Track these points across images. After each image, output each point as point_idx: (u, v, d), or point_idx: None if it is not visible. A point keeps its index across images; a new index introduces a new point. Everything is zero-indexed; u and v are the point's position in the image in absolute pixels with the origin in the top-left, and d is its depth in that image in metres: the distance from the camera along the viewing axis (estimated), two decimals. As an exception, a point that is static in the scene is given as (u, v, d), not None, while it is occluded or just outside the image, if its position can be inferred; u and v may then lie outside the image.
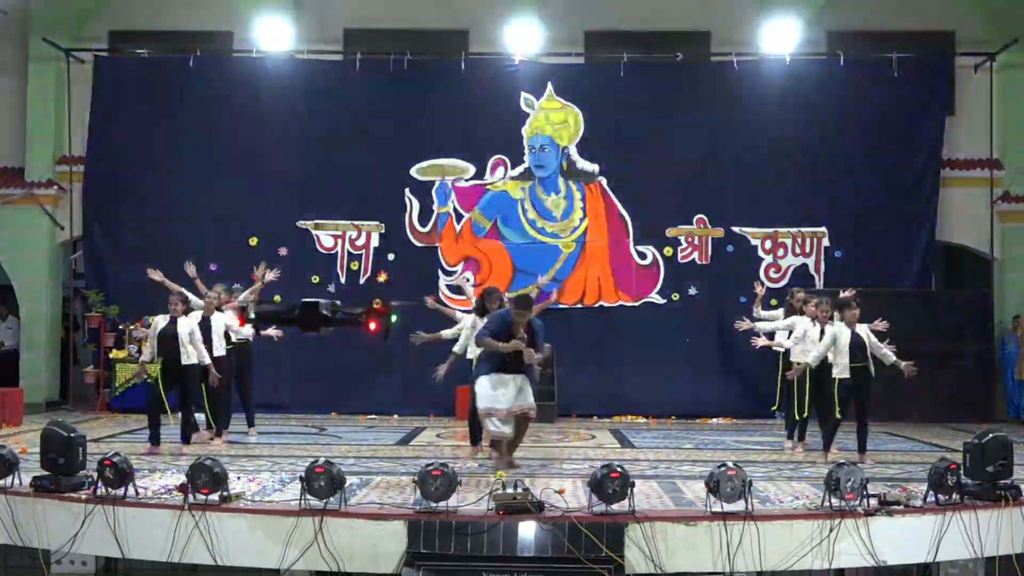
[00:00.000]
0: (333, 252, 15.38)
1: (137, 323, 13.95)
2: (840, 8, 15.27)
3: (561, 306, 15.20)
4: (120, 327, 14.80)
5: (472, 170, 15.43)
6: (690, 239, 15.33)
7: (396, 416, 14.37)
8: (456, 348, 10.05)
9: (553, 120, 15.47)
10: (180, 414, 10.51)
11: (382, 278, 15.25)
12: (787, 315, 10.98)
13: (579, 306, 15.28)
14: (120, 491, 7.13)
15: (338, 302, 8.41)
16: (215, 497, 7.01)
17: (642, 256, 15.35)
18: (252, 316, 8.58)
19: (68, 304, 16.26)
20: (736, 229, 15.27)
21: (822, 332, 10.05)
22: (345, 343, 13.67)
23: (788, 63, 15.11)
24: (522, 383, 8.95)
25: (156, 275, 11.01)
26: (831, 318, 10.07)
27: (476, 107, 15.31)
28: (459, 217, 15.40)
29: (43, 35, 15.27)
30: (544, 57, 15.49)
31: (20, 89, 15.61)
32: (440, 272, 15.31)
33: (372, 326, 8.10)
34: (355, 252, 15.38)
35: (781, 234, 15.29)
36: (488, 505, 6.95)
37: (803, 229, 15.27)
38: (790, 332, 10.66)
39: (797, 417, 10.69)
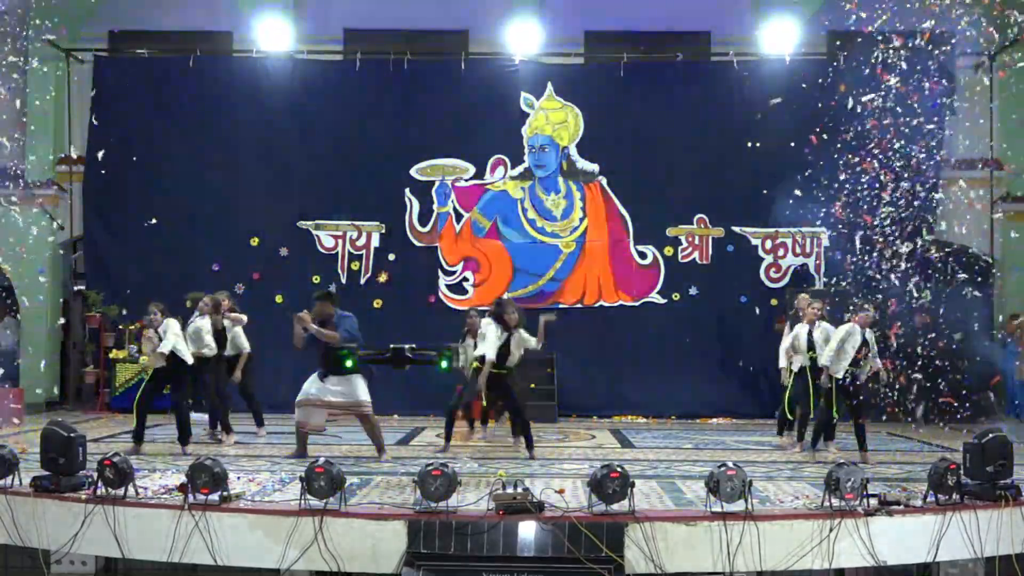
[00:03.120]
0: (334, 252, 15.38)
1: (138, 324, 13.94)
2: (841, 8, 15.23)
3: (561, 306, 15.24)
4: (120, 327, 14.81)
5: (472, 170, 15.44)
6: (690, 239, 15.33)
7: (396, 416, 14.37)
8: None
9: (553, 120, 15.47)
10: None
11: (383, 278, 15.26)
12: (793, 325, 11.05)
13: (579, 306, 15.28)
14: (120, 491, 7.13)
15: (415, 344, 9.79)
16: (215, 497, 7.01)
17: (642, 256, 15.36)
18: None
19: (68, 304, 16.26)
20: (736, 229, 15.28)
21: (809, 333, 10.20)
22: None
23: (788, 63, 15.11)
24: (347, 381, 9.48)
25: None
26: (822, 317, 10.23)
27: (476, 107, 15.32)
28: (459, 217, 15.40)
29: (43, 35, 15.27)
30: (544, 57, 15.49)
31: (20, 89, 15.60)
32: (440, 272, 15.33)
33: (443, 364, 9.75)
34: (356, 252, 15.38)
35: (781, 234, 15.30)
36: (488, 505, 6.96)
37: (803, 229, 15.27)
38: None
39: (789, 416, 10.83)
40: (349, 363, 9.39)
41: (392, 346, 9.59)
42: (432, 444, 11.48)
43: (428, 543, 6.70)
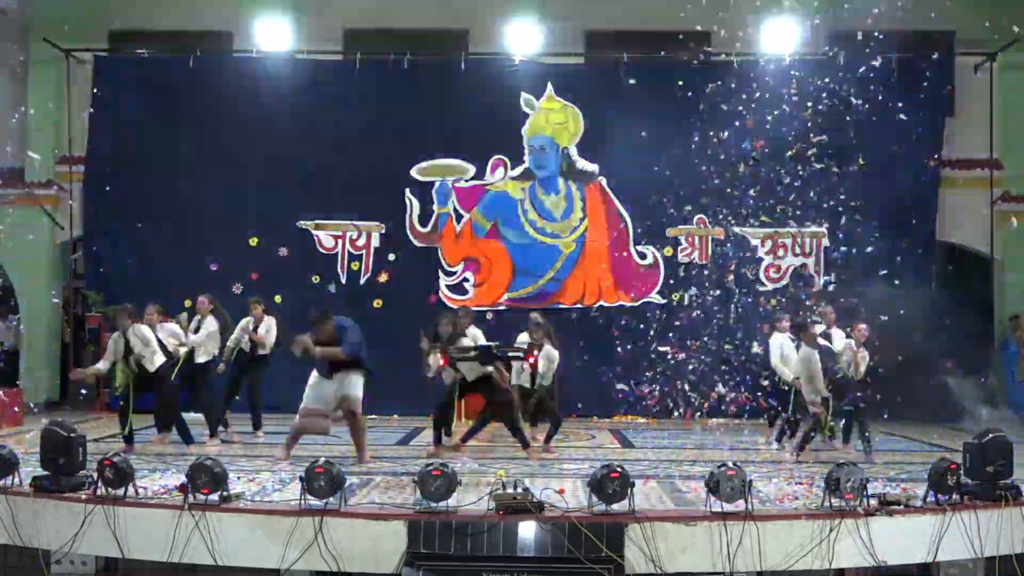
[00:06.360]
0: (333, 252, 15.38)
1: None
2: (840, 8, 15.23)
3: (561, 306, 15.25)
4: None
5: (472, 170, 15.44)
6: (690, 239, 15.33)
7: (396, 416, 14.37)
8: None
9: (553, 120, 15.47)
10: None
11: (383, 278, 15.26)
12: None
13: (579, 306, 15.28)
14: (120, 491, 7.14)
15: (500, 343, 10.71)
16: (215, 497, 7.02)
17: (642, 256, 15.36)
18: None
19: (68, 304, 16.26)
20: (736, 229, 15.27)
21: (798, 347, 10.51)
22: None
23: (788, 63, 15.08)
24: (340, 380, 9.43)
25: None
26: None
27: (476, 107, 15.30)
28: (459, 217, 15.40)
29: (43, 35, 15.29)
30: (544, 57, 15.48)
31: (20, 89, 15.61)
32: (440, 272, 15.33)
33: (531, 360, 10.53)
34: (355, 252, 15.38)
35: (781, 234, 15.29)
36: (488, 505, 6.96)
37: (803, 229, 15.26)
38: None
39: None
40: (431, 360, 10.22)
41: (479, 344, 10.28)
42: (431, 444, 11.45)
43: (428, 543, 6.70)
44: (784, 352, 11.25)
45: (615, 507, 6.85)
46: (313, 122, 15.35)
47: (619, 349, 14.98)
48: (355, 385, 9.45)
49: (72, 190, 15.53)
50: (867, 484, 7.11)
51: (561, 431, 12.91)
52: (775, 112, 14.99)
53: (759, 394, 13.63)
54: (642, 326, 14.99)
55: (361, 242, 15.39)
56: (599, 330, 15.14)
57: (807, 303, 13.57)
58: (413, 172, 15.39)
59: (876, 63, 14.98)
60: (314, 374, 9.55)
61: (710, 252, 15.28)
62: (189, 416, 11.05)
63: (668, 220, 15.26)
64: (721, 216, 15.17)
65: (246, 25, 15.37)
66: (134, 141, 15.31)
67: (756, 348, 13.67)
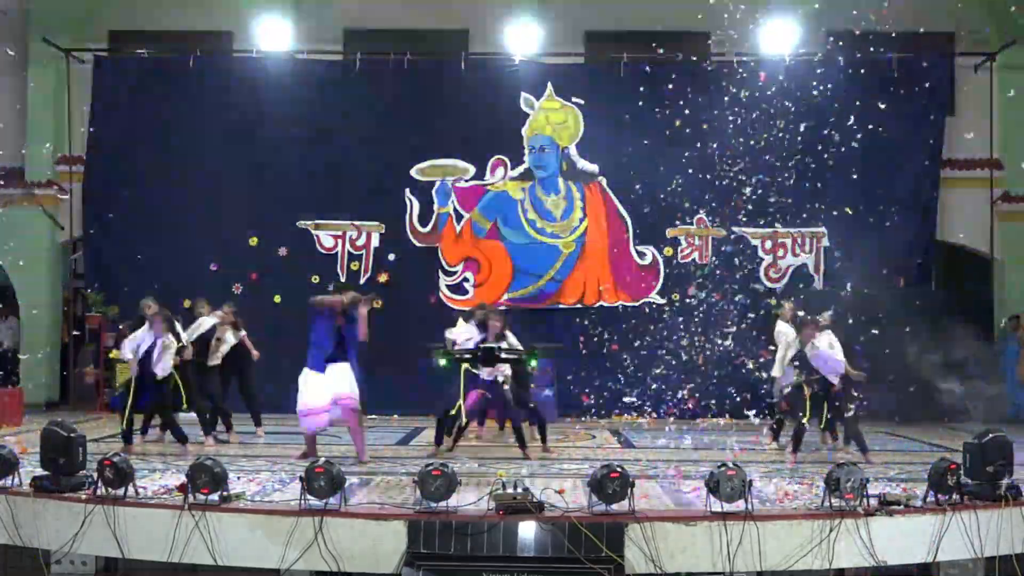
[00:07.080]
0: (333, 252, 15.38)
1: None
2: (840, 8, 15.24)
3: (561, 306, 15.25)
4: (120, 327, 14.78)
5: (472, 170, 15.44)
6: (690, 239, 15.33)
7: (396, 416, 14.37)
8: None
9: (553, 120, 15.47)
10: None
11: (383, 278, 15.25)
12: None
13: (579, 306, 15.28)
14: (120, 491, 7.14)
15: (504, 345, 10.23)
16: (215, 497, 7.02)
17: (642, 256, 15.36)
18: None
19: (69, 304, 16.27)
20: (736, 229, 15.27)
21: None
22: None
23: (788, 63, 15.09)
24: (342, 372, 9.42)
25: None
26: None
27: (476, 107, 15.31)
28: (459, 217, 15.40)
29: (43, 35, 15.29)
30: (544, 57, 15.49)
31: (20, 89, 15.62)
32: (440, 272, 15.33)
33: (533, 363, 10.32)
34: (355, 252, 15.38)
35: (781, 234, 15.29)
36: (488, 505, 6.96)
37: (803, 229, 15.26)
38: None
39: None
40: (444, 361, 9.99)
41: (482, 345, 10.06)
42: (431, 443, 11.45)
43: (428, 543, 6.70)
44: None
45: (615, 507, 6.85)
46: (313, 122, 15.35)
47: (619, 349, 14.99)
48: (352, 380, 9.44)
49: (72, 190, 15.54)
50: (867, 484, 7.11)
51: (561, 431, 12.97)
52: (774, 112, 15.03)
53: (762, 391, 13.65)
54: (642, 326, 14.99)
55: (361, 242, 15.39)
56: (599, 330, 15.14)
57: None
58: (413, 172, 15.39)
59: (876, 63, 15.00)
60: (305, 371, 9.47)
61: (710, 252, 15.28)
62: (187, 416, 11.06)
63: (668, 220, 15.26)
64: (721, 216, 15.18)
65: (246, 25, 15.38)
66: (134, 141, 15.32)
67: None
